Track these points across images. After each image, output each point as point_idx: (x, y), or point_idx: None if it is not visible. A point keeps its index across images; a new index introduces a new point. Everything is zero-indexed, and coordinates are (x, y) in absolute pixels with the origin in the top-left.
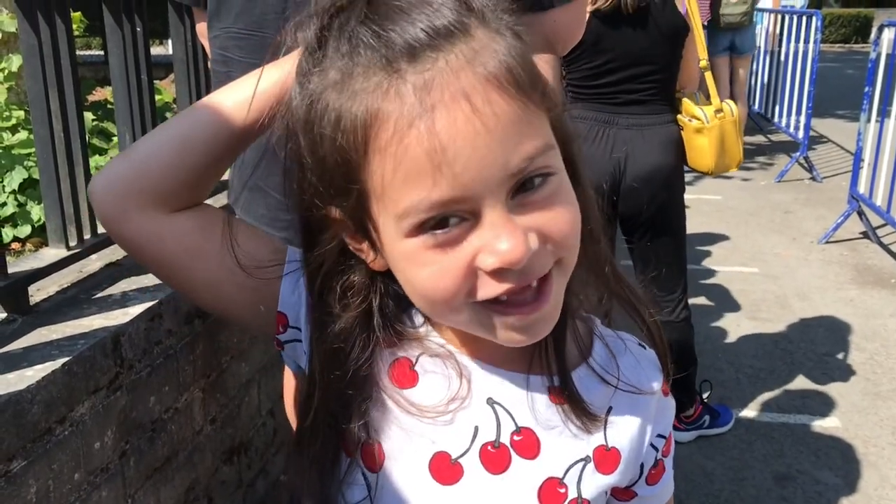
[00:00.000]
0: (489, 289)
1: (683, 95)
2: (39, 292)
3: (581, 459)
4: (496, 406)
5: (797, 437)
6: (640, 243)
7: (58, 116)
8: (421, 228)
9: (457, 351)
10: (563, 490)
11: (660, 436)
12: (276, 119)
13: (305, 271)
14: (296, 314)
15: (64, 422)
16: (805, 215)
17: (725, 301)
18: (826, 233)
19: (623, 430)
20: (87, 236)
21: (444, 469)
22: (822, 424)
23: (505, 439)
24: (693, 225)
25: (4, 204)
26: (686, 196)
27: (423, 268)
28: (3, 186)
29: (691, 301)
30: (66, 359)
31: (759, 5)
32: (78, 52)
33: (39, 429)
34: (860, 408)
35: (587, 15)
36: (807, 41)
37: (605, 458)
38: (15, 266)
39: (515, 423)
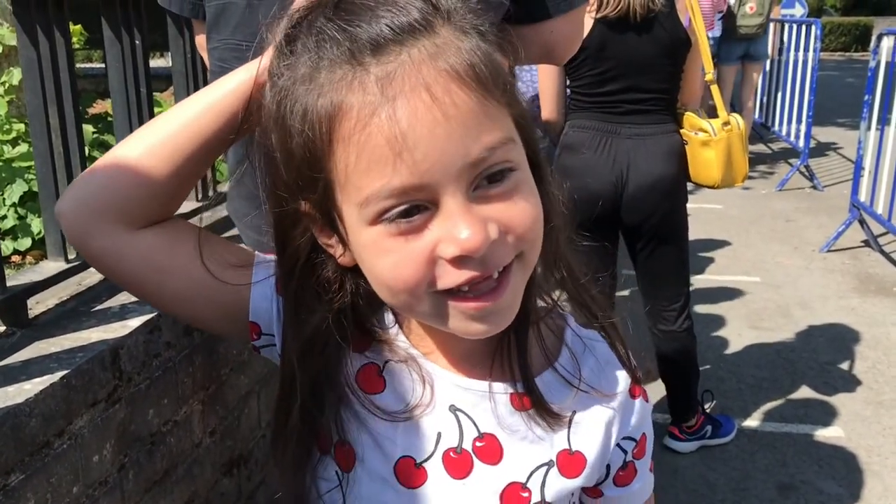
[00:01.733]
0: (450, 277)
1: (685, 111)
2: (38, 305)
3: (545, 464)
4: (458, 413)
5: (800, 446)
6: (643, 253)
7: (57, 131)
8: (383, 216)
9: (422, 356)
10: (525, 494)
11: (628, 438)
12: (247, 122)
13: (279, 269)
14: (268, 321)
15: (62, 435)
16: (806, 224)
17: (727, 310)
18: (827, 241)
19: (587, 434)
20: None
21: (409, 472)
22: (825, 434)
23: (467, 445)
24: (694, 234)
25: (5, 217)
26: (687, 205)
27: (385, 256)
28: (4, 199)
29: (693, 310)
30: (65, 372)
31: None
32: (79, 65)
33: (38, 442)
34: (863, 417)
35: (584, 25)
36: (806, 50)
37: (569, 462)
38: (14, 279)
39: (478, 430)
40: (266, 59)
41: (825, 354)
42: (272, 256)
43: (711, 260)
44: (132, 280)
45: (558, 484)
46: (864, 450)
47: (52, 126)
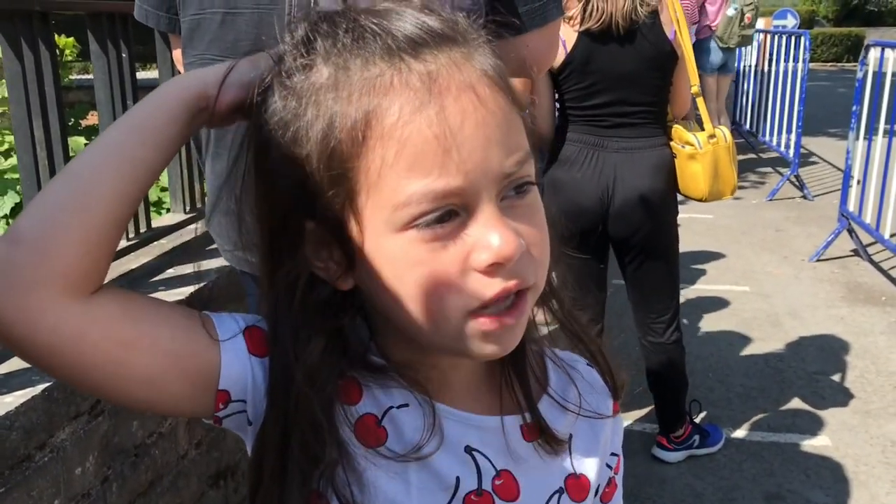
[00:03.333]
0: (486, 289)
1: (676, 123)
2: None
3: (556, 491)
4: (475, 453)
5: (787, 456)
6: (631, 266)
7: (42, 144)
8: (416, 221)
9: (425, 398)
10: None
11: (612, 454)
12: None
13: (271, 291)
14: (241, 385)
15: (44, 448)
16: (796, 233)
17: (717, 320)
18: (817, 251)
19: (586, 455)
20: None
21: None
22: (813, 443)
23: (487, 486)
24: (684, 244)
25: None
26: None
27: (415, 268)
28: None
29: (683, 320)
30: (47, 385)
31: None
32: (73, 77)
33: (18, 455)
34: (850, 426)
35: (559, 39)
36: (796, 60)
37: (576, 486)
38: None
39: (495, 468)
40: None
41: (814, 364)
42: (226, 314)
43: (702, 270)
44: (93, 364)
45: None
46: (852, 459)
47: (37, 139)
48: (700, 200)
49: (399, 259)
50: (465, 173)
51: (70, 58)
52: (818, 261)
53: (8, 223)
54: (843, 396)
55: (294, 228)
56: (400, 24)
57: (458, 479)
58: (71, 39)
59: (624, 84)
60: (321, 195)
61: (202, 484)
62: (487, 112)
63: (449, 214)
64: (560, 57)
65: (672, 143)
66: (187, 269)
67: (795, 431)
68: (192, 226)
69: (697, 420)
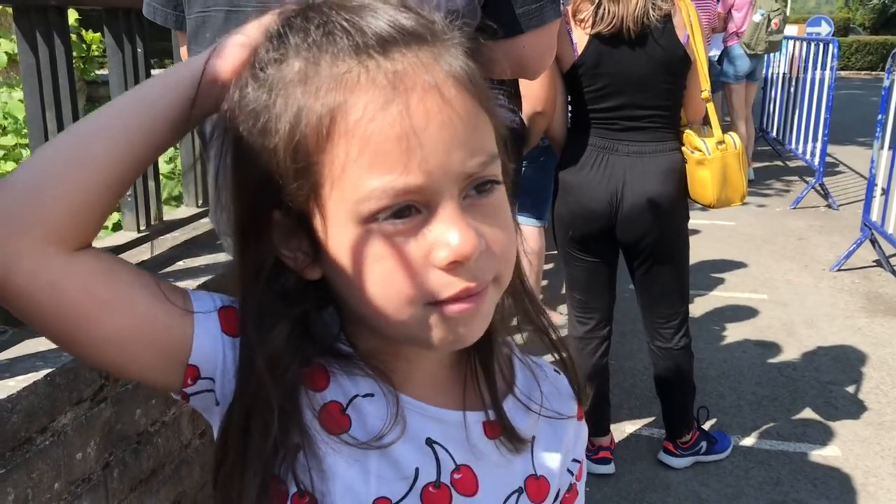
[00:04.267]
0: (446, 288)
1: (688, 128)
2: None
3: (515, 490)
4: (435, 446)
5: (795, 465)
6: (640, 270)
7: (55, 135)
8: (377, 215)
9: (390, 389)
10: None
11: (574, 460)
12: (189, 123)
13: (241, 275)
14: (211, 362)
15: (45, 432)
16: (819, 242)
17: (732, 327)
18: (838, 260)
19: (548, 458)
20: None
21: None
22: (822, 453)
23: (445, 479)
24: (705, 250)
25: None
26: (699, 221)
27: (377, 262)
28: None
29: (698, 327)
30: (50, 370)
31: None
32: (100, 72)
33: (19, 438)
34: (862, 437)
35: (572, 41)
36: (824, 68)
37: (536, 487)
38: None
39: (454, 461)
40: (231, 54)
41: (828, 373)
42: (205, 292)
43: (721, 276)
44: (66, 316)
45: None
46: (861, 471)
47: (49, 132)
48: (708, 207)
49: (361, 252)
50: (427, 172)
51: (97, 53)
52: (839, 270)
53: None
54: (856, 407)
55: (261, 216)
56: (372, 21)
57: (417, 469)
58: (98, 35)
59: (635, 88)
60: (287, 186)
61: (205, 473)
62: (452, 112)
63: (409, 210)
64: (570, 59)
65: (683, 149)
66: (198, 261)
67: (805, 441)
68: (205, 219)
69: (706, 426)
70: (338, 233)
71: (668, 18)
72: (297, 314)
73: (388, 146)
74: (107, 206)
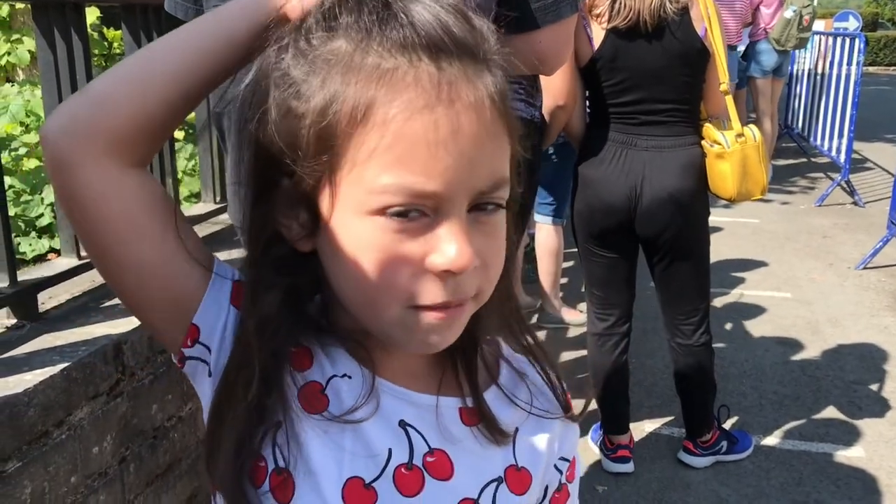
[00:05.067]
0: (430, 294)
1: (708, 122)
2: (51, 300)
3: (494, 479)
4: (408, 428)
5: (818, 465)
6: (659, 266)
7: None
8: (386, 209)
9: (368, 372)
10: None
11: (563, 458)
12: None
13: (246, 236)
14: (210, 328)
15: (62, 425)
16: (844, 240)
17: (755, 326)
18: (864, 258)
19: (531, 450)
20: None
21: (358, 494)
22: (846, 454)
23: (418, 461)
24: (728, 248)
25: (41, 215)
26: (722, 219)
27: (373, 252)
28: (42, 199)
29: (720, 325)
30: (66, 364)
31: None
32: None
33: (36, 431)
34: (887, 438)
35: (588, 36)
36: (850, 63)
37: (517, 479)
38: (25, 274)
39: (428, 445)
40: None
41: (852, 373)
42: (226, 264)
43: (743, 275)
44: (104, 231)
45: (508, 500)
46: (886, 472)
47: None
48: (729, 201)
49: (361, 240)
50: (446, 182)
51: (118, 51)
52: (865, 269)
53: (53, 210)
54: (880, 407)
55: (271, 180)
56: (425, 20)
57: (389, 450)
58: (119, 32)
59: (652, 81)
60: (304, 157)
61: None
62: (484, 131)
63: (419, 210)
64: (588, 54)
65: (702, 142)
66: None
67: (828, 441)
68: (223, 215)
69: (727, 426)
70: (343, 215)
71: (685, 11)
72: (288, 284)
73: (418, 149)
74: (168, 126)
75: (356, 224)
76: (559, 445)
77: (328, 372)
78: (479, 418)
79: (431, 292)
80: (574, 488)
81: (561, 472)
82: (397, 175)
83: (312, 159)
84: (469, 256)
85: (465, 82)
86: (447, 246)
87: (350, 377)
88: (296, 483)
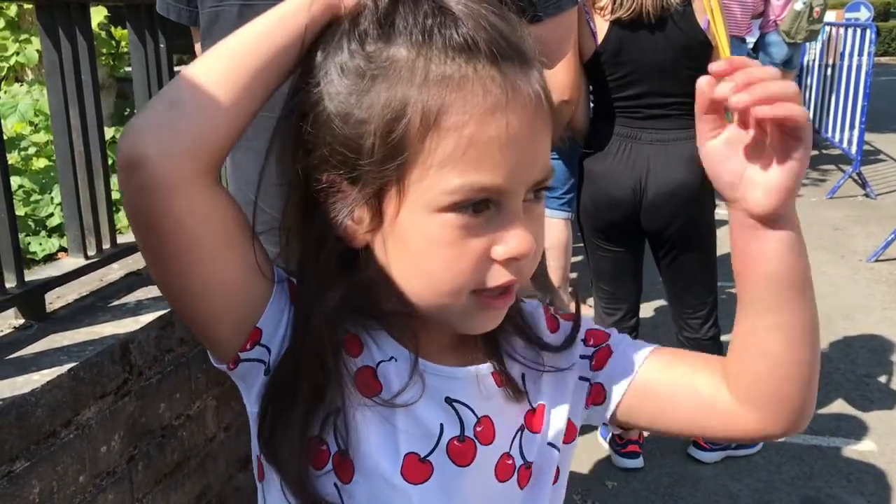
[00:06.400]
0: (498, 278)
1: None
2: (59, 300)
3: (519, 429)
4: (455, 404)
5: (829, 460)
6: (665, 260)
7: (78, 130)
8: (457, 205)
9: (409, 354)
10: (510, 462)
11: (583, 357)
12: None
13: (305, 239)
14: (273, 329)
15: (69, 425)
16: (856, 233)
17: None
18: (875, 251)
19: (540, 388)
20: (105, 246)
21: (415, 468)
22: (857, 448)
23: (469, 433)
24: None
25: (51, 215)
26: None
27: (443, 248)
28: (52, 198)
29: (730, 318)
30: (74, 364)
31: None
32: (127, 69)
33: (44, 431)
34: None
35: (592, 29)
36: (861, 54)
37: (533, 419)
38: (33, 274)
39: (475, 415)
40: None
41: (864, 367)
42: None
43: None
44: (200, 248)
45: (530, 442)
46: None
47: (73, 126)
48: None
49: (431, 236)
50: (509, 176)
51: (126, 50)
52: (877, 261)
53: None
54: (892, 401)
55: (326, 181)
56: (477, 21)
57: (441, 426)
58: (126, 31)
59: (656, 74)
60: (370, 162)
61: (230, 467)
62: (540, 127)
63: (485, 204)
64: (591, 48)
65: None
66: None
67: (840, 435)
68: None
69: None
70: (411, 214)
71: (687, 2)
72: (348, 279)
73: (488, 150)
74: (242, 130)
75: (425, 221)
76: (573, 356)
77: (377, 356)
78: (505, 379)
79: (497, 275)
80: (619, 344)
81: (589, 358)
82: (471, 176)
83: (379, 164)
84: (531, 243)
85: (524, 83)
86: (510, 234)
87: (396, 360)
88: (355, 464)
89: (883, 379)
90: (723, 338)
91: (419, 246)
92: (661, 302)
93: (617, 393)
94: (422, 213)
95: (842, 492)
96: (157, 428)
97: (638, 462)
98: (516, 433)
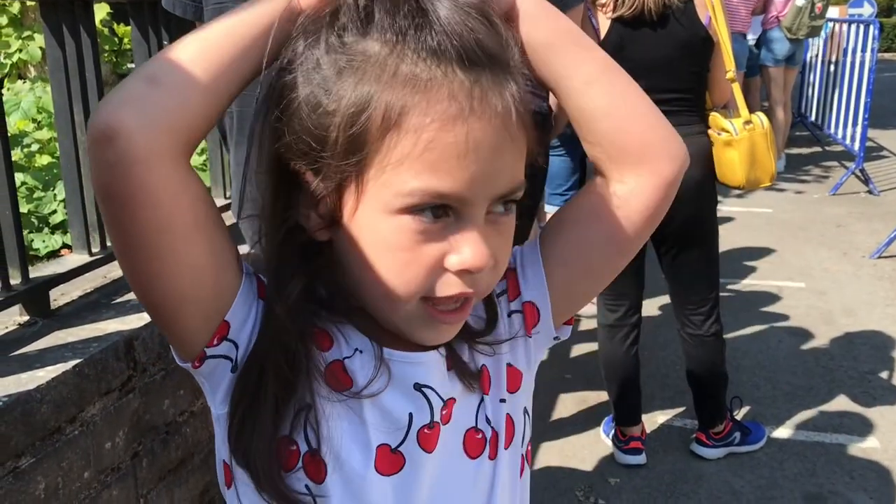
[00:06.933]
0: (449, 288)
1: (714, 111)
2: (63, 297)
3: (479, 402)
4: (423, 389)
5: (832, 456)
6: (667, 257)
7: (82, 127)
8: (410, 210)
9: (375, 344)
10: (479, 436)
11: (500, 294)
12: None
13: (268, 230)
14: (240, 324)
15: (74, 421)
16: (859, 229)
17: (768, 316)
18: (878, 247)
19: (479, 352)
20: (109, 243)
21: (387, 460)
22: (860, 445)
23: (437, 417)
24: (741, 238)
25: (55, 212)
26: (735, 208)
27: (397, 252)
28: (55, 195)
29: (733, 316)
30: (78, 361)
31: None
32: (129, 65)
33: (48, 428)
34: None
35: (594, 26)
36: (864, 50)
37: (483, 383)
38: (37, 271)
39: (442, 399)
40: None
41: (867, 363)
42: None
43: (756, 265)
44: (168, 230)
45: (491, 409)
46: None
47: (76, 123)
48: (737, 188)
49: (385, 238)
50: (471, 188)
51: (128, 46)
52: (880, 258)
53: (66, 207)
54: (895, 397)
55: (293, 171)
56: (458, 26)
57: (410, 415)
58: (129, 28)
59: (659, 71)
60: (332, 155)
61: None
62: (508, 140)
63: (444, 210)
64: None
65: (709, 132)
66: None
67: (842, 432)
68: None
69: (740, 417)
70: (367, 213)
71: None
72: (309, 270)
73: (447, 158)
74: (216, 115)
75: (380, 222)
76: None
77: (345, 351)
78: (453, 360)
79: (448, 285)
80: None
81: (505, 293)
82: (426, 180)
83: (341, 158)
84: (486, 258)
85: (494, 92)
86: (466, 248)
87: (361, 352)
88: (327, 462)
89: (885, 375)
90: (725, 335)
91: (374, 246)
92: (664, 299)
93: (541, 294)
94: (378, 213)
95: (845, 489)
96: (160, 424)
97: (640, 458)
98: (479, 405)
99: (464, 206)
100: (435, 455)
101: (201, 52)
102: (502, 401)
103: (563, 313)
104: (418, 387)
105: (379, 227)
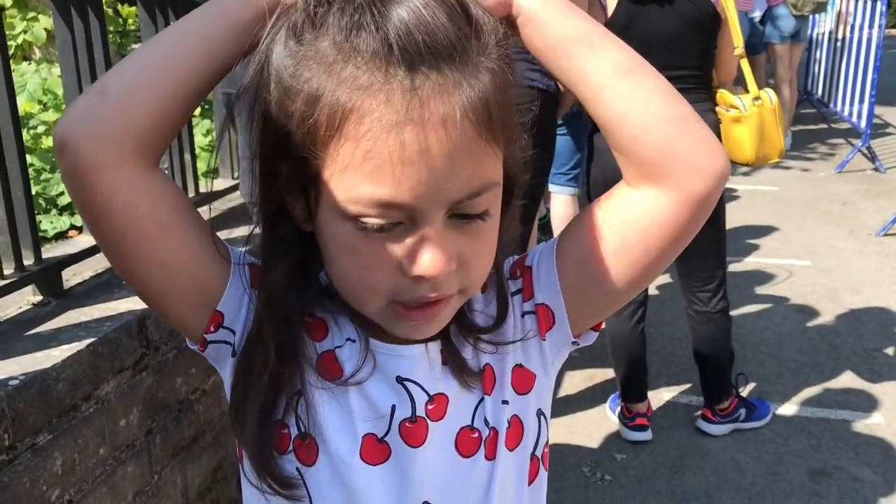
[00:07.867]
0: (407, 293)
1: (722, 88)
2: (75, 277)
3: (479, 401)
4: (406, 383)
5: (836, 432)
6: None
7: None
8: (362, 216)
9: (363, 335)
10: (475, 435)
11: (515, 293)
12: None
13: (261, 218)
14: (234, 312)
15: (89, 399)
16: (864, 207)
17: (774, 294)
18: (884, 225)
19: (484, 349)
20: None
21: (374, 450)
22: (864, 421)
23: (421, 412)
24: (747, 216)
25: (62, 193)
26: (741, 186)
27: (352, 255)
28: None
29: (739, 293)
30: (92, 339)
31: None
32: (134, 46)
33: (65, 405)
34: None
35: (602, 3)
36: (871, 26)
37: (485, 383)
38: (49, 252)
39: (428, 393)
40: None
41: (872, 340)
42: (239, 250)
43: (762, 242)
44: (131, 233)
45: (491, 409)
46: None
47: None
48: (746, 165)
49: (345, 241)
50: (415, 197)
51: (133, 27)
52: (885, 235)
53: None
54: None
55: (276, 162)
56: (407, 23)
57: (393, 407)
58: (133, 9)
59: (666, 48)
60: (297, 152)
61: None
62: (456, 147)
63: (391, 223)
64: (601, 22)
65: (717, 109)
66: (235, 232)
67: (847, 408)
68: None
69: (745, 393)
70: (326, 213)
71: None
72: (293, 260)
73: (386, 167)
74: (183, 117)
75: (338, 225)
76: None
77: (337, 340)
78: (450, 355)
79: (409, 291)
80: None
81: (519, 291)
82: (369, 188)
83: (303, 156)
84: (441, 265)
85: (438, 97)
86: (419, 254)
87: (353, 341)
88: (318, 446)
89: (891, 352)
90: (731, 312)
91: (333, 246)
92: (673, 279)
93: (554, 296)
94: (336, 216)
95: (849, 464)
96: (173, 402)
97: (646, 435)
98: (477, 404)
99: (415, 215)
100: (424, 450)
101: (151, 57)
102: (505, 402)
103: (581, 319)
104: (400, 380)
105: (336, 230)
